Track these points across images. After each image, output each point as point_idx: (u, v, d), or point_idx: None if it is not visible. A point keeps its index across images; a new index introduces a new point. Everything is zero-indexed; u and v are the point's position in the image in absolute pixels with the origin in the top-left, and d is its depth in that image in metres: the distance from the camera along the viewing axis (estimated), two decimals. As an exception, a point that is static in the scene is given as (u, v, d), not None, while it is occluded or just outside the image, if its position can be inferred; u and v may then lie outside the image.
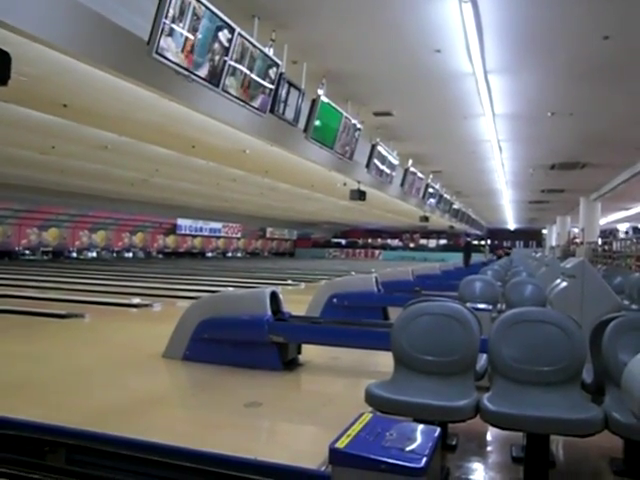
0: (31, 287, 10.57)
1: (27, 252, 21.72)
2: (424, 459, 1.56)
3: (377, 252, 41.12)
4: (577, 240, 22.80)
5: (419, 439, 1.70)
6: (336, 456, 1.62)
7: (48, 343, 5.63)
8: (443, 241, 42.86)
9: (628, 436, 2.40)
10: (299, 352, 4.67)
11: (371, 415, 1.87)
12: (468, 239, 20.92)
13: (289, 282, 13.89)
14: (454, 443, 2.89)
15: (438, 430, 1.77)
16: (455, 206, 24.12)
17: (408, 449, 1.62)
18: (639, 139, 11.15)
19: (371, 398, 2.63)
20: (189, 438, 2.79)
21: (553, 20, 5.92)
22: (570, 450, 2.94)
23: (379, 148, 11.24)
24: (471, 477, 2.69)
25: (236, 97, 5.97)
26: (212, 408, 3.61)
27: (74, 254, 23.91)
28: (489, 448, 3.09)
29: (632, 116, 9.54)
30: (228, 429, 3.15)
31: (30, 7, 4.08)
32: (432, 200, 18.56)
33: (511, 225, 39.92)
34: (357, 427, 1.75)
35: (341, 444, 1.64)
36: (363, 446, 1.63)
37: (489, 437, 3.14)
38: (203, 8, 4.99)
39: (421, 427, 1.80)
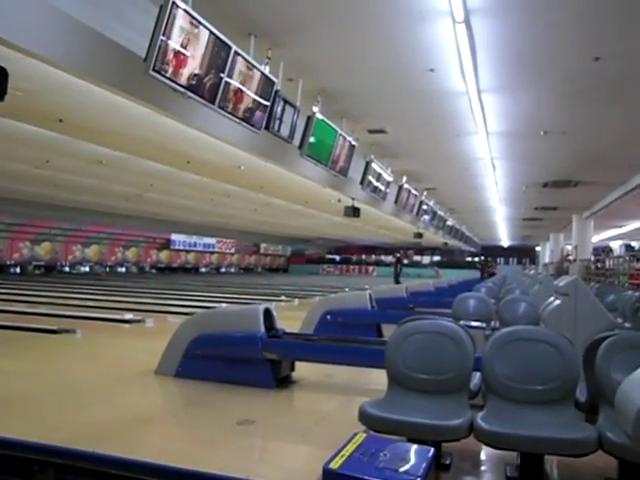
0: (22, 302, 10.47)
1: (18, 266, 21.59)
2: (418, 480, 1.55)
3: (371, 268, 41.11)
4: (570, 257, 22.92)
5: (413, 460, 1.69)
6: (330, 477, 1.60)
7: (38, 359, 5.56)
8: (437, 258, 42.99)
9: (622, 456, 2.38)
10: (292, 369, 4.63)
11: (365, 435, 1.85)
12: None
13: (283, 298, 13.84)
14: (448, 462, 2.86)
15: (432, 451, 1.76)
16: (449, 223, 24.24)
17: (402, 470, 1.61)
18: (631, 157, 11.30)
19: (365, 417, 2.61)
20: (180, 457, 2.76)
21: (545, 41, 6.03)
22: (564, 470, 2.92)
23: (373, 165, 11.31)
24: (465, 497, 2.67)
25: (231, 114, 6.01)
26: (204, 426, 3.57)
27: (67, 268, 23.77)
28: (483, 467, 3.07)
29: (624, 134, 9.67)
30: (220, 447, 3.11)
31: (27, 23, 4.11)
32: (426, 217, 18.66)
33: (505, 242, 40.11)
34: (351, 447, 1.74)
35: (335, 465, 1.62)
36: (357, 467, 1.61)
37: (483, 456, 3.11)
38: (200, 26, 5.04)
39: (415, 447, 1.79)
